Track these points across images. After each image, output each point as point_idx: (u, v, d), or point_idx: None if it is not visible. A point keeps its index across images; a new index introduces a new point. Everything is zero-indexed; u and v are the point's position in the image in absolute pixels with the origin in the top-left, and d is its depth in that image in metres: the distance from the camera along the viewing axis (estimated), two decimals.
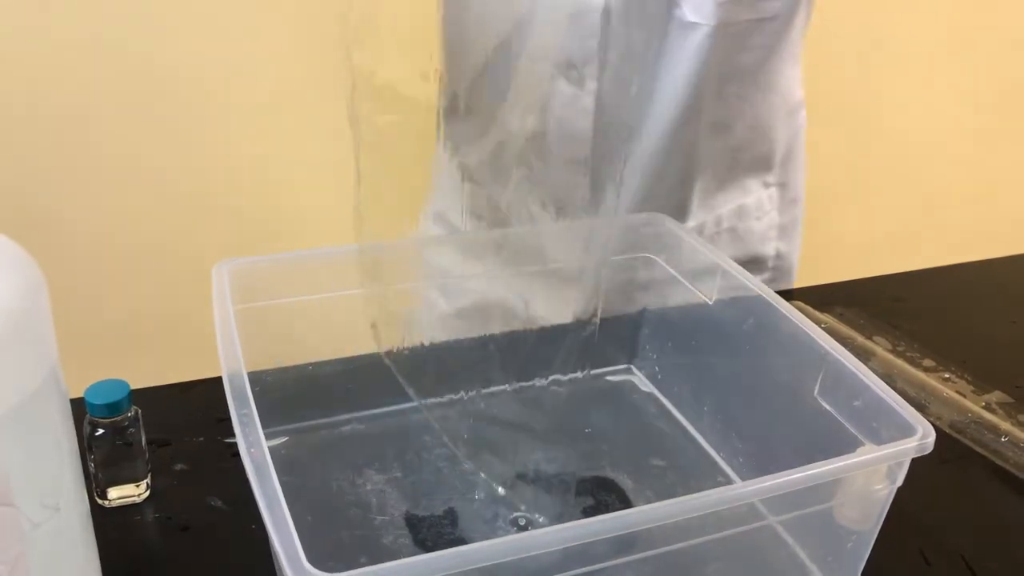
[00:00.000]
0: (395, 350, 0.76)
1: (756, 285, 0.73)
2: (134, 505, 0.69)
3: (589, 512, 0.71)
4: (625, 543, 0.51)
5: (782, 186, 1.02)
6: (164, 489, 0.71)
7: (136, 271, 1.52)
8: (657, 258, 0.84)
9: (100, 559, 0.63)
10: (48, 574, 0.55)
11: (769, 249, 1.04)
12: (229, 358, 0.58)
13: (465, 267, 0.75)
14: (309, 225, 1.58)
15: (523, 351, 0.78)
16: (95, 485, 0.68)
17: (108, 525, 0.67)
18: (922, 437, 0.57)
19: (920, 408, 0.84)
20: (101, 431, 0.66)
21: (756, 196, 1.00)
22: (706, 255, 0.79)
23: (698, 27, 0.84)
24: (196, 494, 0.71)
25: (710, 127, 0.91)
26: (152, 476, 0.71)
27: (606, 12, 0.81)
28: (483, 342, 0.81)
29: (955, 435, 0.84)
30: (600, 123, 0.87)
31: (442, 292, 0.91)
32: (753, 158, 0.97)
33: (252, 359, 0.59)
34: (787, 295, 0.74)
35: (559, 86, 0.86)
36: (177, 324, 1.42)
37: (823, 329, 0.69)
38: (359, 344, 0.80)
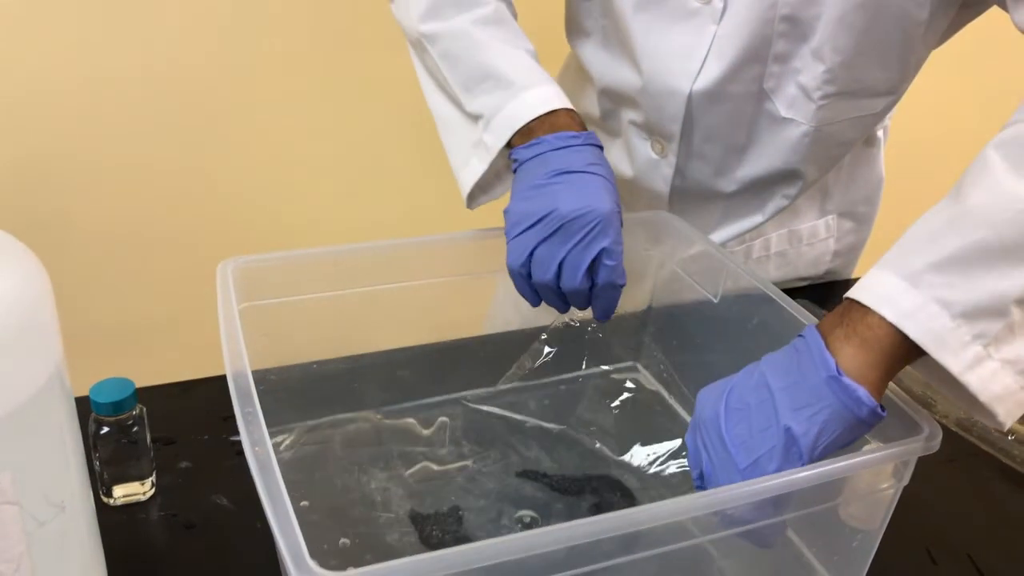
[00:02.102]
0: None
1: (762, 284, 0.73)
2: (139, 503, 0.70)
3: (595, 510, 0.71)
4: (631, 541, 0.51)
5: (844, 214, 1.00)
6: (169, 487, 0.71)
7: (140, 270, 1.52)
8: (663, 256, 0.83)
9: (106, 557, 0.63)
10: (53, 572, 0.55)
11: (819, 271, 1.03)
12: (233, 356, 0.58)
13: None
14: (312, 224, 1.58)
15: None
16: (100, 483, 0.69)
17: (113, 523, 0.67)
18: (929, 437, 0.57)
19: (927, 406, 0.84)
20: (106, 429, 0.66)
21: (811, 225, 0.99)
22: (712, 253, 0.79)
23: (794, 124, 0.84)
24: (201, 492, 0.71)
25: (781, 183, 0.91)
26: (157, 474, 0.71)
27: (689, 99, 0.83)
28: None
29: (962, 433, 0.84)
30: (679, 186, 0.91)
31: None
32: (808, 194, 0.96)
33: (256, 357, 0.59)
34: (792, 293, 0.74)
35: (645, 150, 0.90)
36: (181, 323, 1.42)
37: None
38: (363, 342, 0.80)
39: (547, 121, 0.74)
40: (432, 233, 0.77)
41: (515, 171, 0.75)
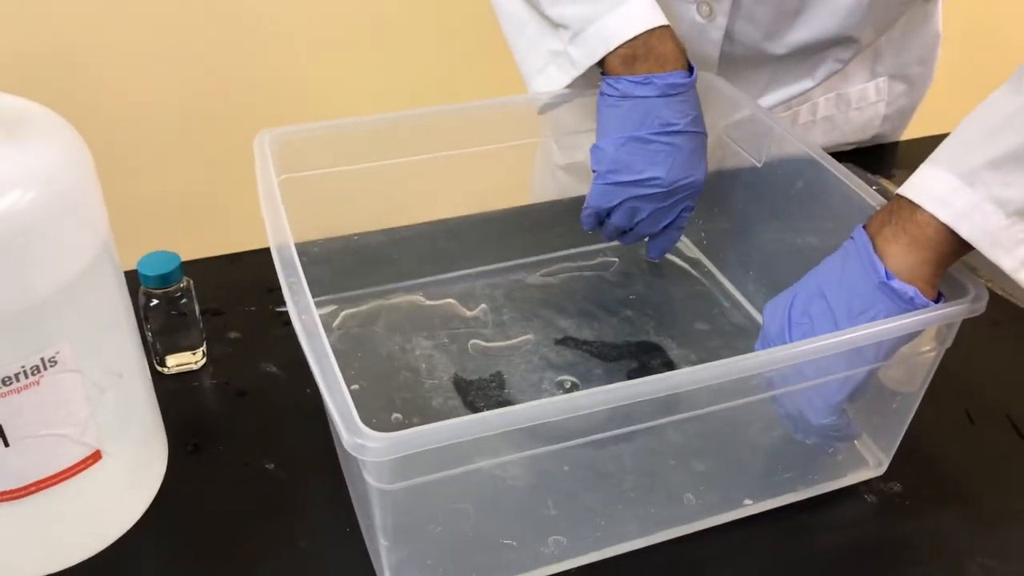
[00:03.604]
0: None
1: (808, 146, 0.71)
2: (192, 372, 0.72)
3: (634, 375, 0.72)
4: (668, 404, 0.52)
5: (896, 76, 0.95)
6: (220, 356, 0.74)
7: (179, 145, 1.52)
8: (709, 123, 0.81)
9: (164, 422, 0.66)
10: (116, 435, 0.57)
11: (867, 136, 1.00)
12: (275, 229, 0.59)
13: (582, 125, 0.77)
14: (348, 93, 1.57)
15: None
16: (154, 354, 0.71)
17: (169, 391, 0.69)
18: (974, 299, 0.57)
19: (973, 269, 0.82)
20: (155, 301, 0.68)
21: (860, 88, 0.95)
22: (758, 117, 0.77)
23: None
24: (251, 361, 0.73)
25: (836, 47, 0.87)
26: (207, 344, 0.73)
27: None
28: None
29: (1008, 297, 0.83)
30: (726, 51, 0.86)
31: (559, 146, 0.92)
32: (861, 54, 0.91)
33: (298, 229, 0.60)
34: (838, 157, 0.72)
35: (691, 14, 0.84)
36: (222, 196, 1.43)
37: (876, 191, 0.67)
38: (403, 214, 0.80)
39: (650, 48, 0.70)
40: (469, 100, 0.75)
41: (605, 93, 0.72)
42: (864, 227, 0.58)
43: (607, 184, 0.73)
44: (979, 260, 0.57)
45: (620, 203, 0.73)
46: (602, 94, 0.73)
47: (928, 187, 0.56)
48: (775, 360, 0.54)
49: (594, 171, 0.73)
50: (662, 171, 0.71)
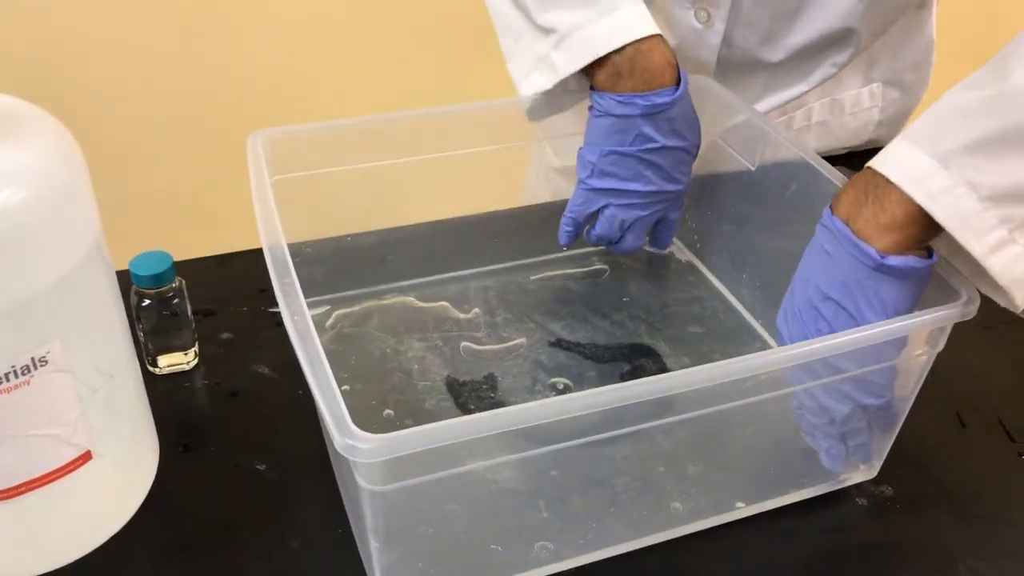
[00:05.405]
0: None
1: (801, 149, 0.71)
2: (184, 372, 0.72)
3: (626, 377, 0.72)
4: (661, 407, 0.52)
5: (890, 82, 0.96)
6: (212, 357, 0.73)
7: (171, 145, 1.52)
8: (704, 127, 0.81)
9: (155, 422, 0.66)
10: (107, 436, 0.57)
11: (860, 141, 1.00)
12: (268, 230, 0.59)
13: (577, 128, 0.77)
14: (341, 94, 1.56)
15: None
16: (146, 354, 0.71)
17: (160, 391, 0.69)
18: (966, 303, 0.57)
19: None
20: (148, 301, 0.68)
21: (854, 93, 0.95)
22: (752, 121, 0.77)
23: None
24: (243, 361, 0.73)
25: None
26: (199, 345, 0.73)
27: None
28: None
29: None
30: (724, 56, 0.86)
31: (554, 149, 0.95)
32: (855, 60, 0.91)
33: (291, 230, 0.59)
34: (831, 161, 0.72)
35: (688, 19, 0.84)
36: (215, 197, 1.43)
37: None
38: (396, 215, 0.80)
39: (635, 64, 0.70)
40: (464, 101, 0.75)
41: (592, 107, 0.73)
42: (833, 212, 0.58)
43: (589, 190, 0.74)
44: (953, 250, 0.57)
45: (601, 209, 0.75)
46: (590, 107, 0.74)
47: (904, 166, 0.56)
48: (769, 363, 0.54)
49: (579, 177, 0.75)
50: (641, 184, 0.73)
